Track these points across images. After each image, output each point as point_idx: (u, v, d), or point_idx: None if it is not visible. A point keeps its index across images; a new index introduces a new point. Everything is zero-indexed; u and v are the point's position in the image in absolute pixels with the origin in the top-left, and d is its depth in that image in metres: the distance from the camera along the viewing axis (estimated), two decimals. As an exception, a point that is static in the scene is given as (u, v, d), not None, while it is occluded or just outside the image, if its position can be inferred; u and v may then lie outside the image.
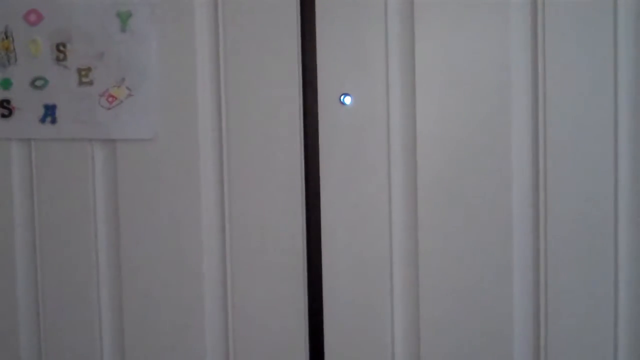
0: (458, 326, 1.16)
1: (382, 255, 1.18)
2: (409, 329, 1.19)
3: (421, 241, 1.17)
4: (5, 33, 1.23)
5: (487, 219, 1.14)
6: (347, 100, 1.16)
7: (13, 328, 1.30)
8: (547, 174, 1.13)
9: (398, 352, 1.19)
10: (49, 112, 1.24)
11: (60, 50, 1.22)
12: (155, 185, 1.22)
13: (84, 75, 1.22)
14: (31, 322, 1.30)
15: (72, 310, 1.27)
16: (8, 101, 1.25)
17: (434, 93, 1.14)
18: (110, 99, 1.22)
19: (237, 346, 1.23)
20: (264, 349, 1.22)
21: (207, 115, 1.21)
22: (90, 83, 1.22)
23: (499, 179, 1.14)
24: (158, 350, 1.25)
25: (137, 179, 1.23)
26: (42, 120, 1.24)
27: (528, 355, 1.16)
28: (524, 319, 1.16)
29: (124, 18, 1.18)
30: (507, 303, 1.16)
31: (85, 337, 1.28)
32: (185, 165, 1.21)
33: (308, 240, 1.19)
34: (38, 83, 1.24)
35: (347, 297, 1.19)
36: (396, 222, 1.18)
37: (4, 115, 1.25)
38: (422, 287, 1.18)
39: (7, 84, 1.25)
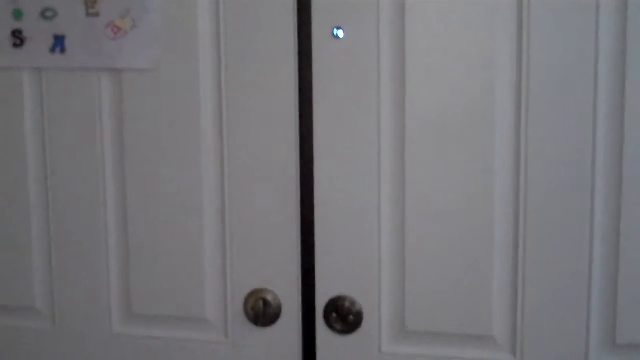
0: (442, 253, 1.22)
1: (371, 187, 1.23)
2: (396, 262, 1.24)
3: (408, 170, 1.21)
4: (16, -35, 1.27)
5: (471, 162, 1.19)
6: (340, 33, 1.19)
7: (26, 256, 1.37)
8: (529, 125, 1.17)
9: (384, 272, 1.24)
10: (59, 43, 1.29)
11: (68, -18, 1.26)
12: (158, 113, 1.28)
13: (90, 6, 1.27)
14: (43, 243, 1.37)
15: (81, 239, 1.35)
16: (20, 31, 1.30)
17: (425, 24, 1.17)
18: (115, 30, 1.26)
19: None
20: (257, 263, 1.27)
21: (206, 47, 1.25)
22: (97, 14, 1.26)
23: (485, 122, 1.18)
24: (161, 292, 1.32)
25: (142, 107, 1.28)
26: (52, 50, 1.29)
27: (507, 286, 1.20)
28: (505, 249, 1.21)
29: (129, -49, 1.22)
30: (487, 236, 1.20)
31: (93, 266, 1.35)
32: (186, 94, 1.26)
33: (302, 170, 1.25)
34: (48, 14, 1.28)
35: (338, 223, 1.25)
36: (385, 156, 1.22)
37: (15, 45, 1.30)
38: (408, 215, 1.22)
39: (18, 14, 1.29)
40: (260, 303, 1.29)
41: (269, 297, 1.29)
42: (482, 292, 1.21)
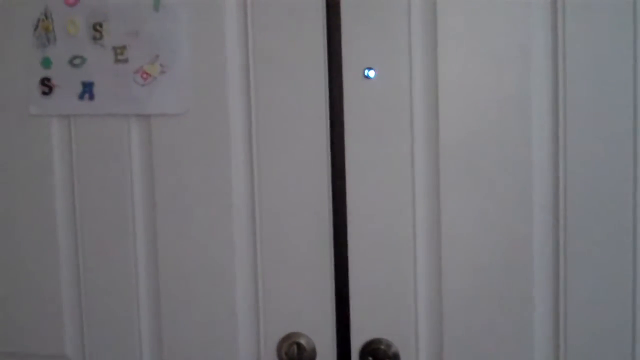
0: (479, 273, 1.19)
1: (405, 226, 1.22)
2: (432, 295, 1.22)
3: (443, 211, 1.20)
4: (45, 14, 1.29)
5: (508, 190, 1.17)
6: (371, 73, 1.18)
7: (56, 303, 1.36)
8: (567, 148, 1.15)
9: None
10: (87, 89, 1.29)
11: (96, 30, 1.27)
12: (188, 157, 1.27)
13: (119, 53, 1.27)
14: (73, 290, 1.37)
15: (111, 286, 1.34)
16: (48, 79, 1.31)
17: (457, 65, 1.17)
18: (144, 76, 1.27)
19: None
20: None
21: (236, 91, 1.25)
22: (126, 61, 1.27)
23: (520, 150, 1.17)
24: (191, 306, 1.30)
25: (171, 152, 1.28)
26: (81, 97, 1.30)
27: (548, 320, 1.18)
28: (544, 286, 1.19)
29: (156, -3, 1.23)
30: (527, 271, 1.18)
31: (123, 298, 1.33)
32: (216, 139, 1.26)
33: (334, 212, 1.24)
34: (76, 61, 1.29)
35: (372, 263, 1.23)
36: (419, 191, 1.21)
37: (44, 93, 1.31)
38: (444, 257, 1.21)
39: (47, 63, 1.30)
40: (295, 348, 1.27)
41: (303, 341, 1.27)
42: (522, 336, 1.19)
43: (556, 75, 1.15)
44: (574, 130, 1.15)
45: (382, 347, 1.25)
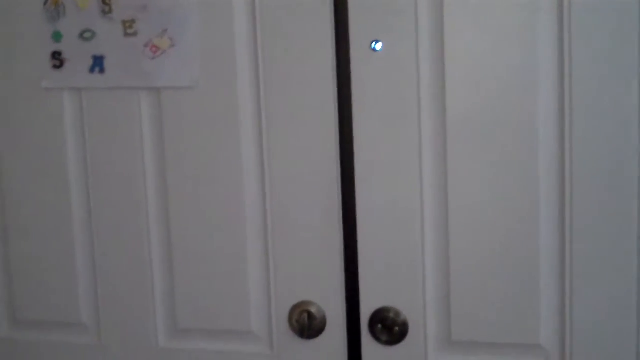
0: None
1: (413, 196, 1.24)
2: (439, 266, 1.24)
3: (450, 180, 1.21)
4: (55, -13, 1.29)
5: (514, 160, 1.18)
6: (378, 46, 1.19)
7: (71, 272, 1.39)
8: (573, 125, 1.16)
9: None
10: (98, 63, 1.30)
11: (105, 3, 1.28)
12: (198, 130, 1.29)
13: (128, 27, 1.28)
14: (88, 259, 1.39)
15: (125, 254, 1.36)
16: (59, 53, 1.32)
17: (464, 37, 1.17)
18: (153, 49, 1.28)
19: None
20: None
21: (244, 63, 1.26)
22: (135, 34, 1.28)
23: (527, 121, 1.17)
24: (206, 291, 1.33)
25: (181, 125, 1.29)
26: (92, 70, 1.31)
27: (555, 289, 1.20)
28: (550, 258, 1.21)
29: (165, -30, 1.23)
30: (534, 239, 1.20)
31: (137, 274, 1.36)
32: (225, 111, 1.27)
33: (343, 181, 1.25)
34: (86, 35, 1.30)
35: (381, 233, 1.25)
36: (426, 161, 1.22)
37: (55, 66, 1.32)
38: (452, 225, 1.23)
39: (58, 36, 1.31)
40: (305, 316, 1.29)
41: (313, 310, 1.30)
42: (528, 300, 1.21)
43: (562, 47, 1.15)
44: (580, 102, 1.16)
45: (391, 315, 1.27)
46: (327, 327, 1.29)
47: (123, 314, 1.37)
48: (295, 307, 1.31)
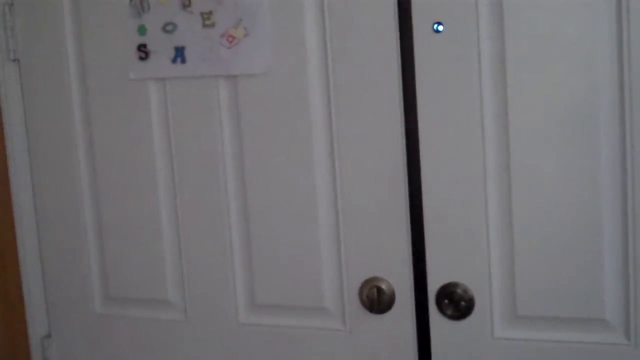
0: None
1: (476, 172, 1.26)
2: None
3: (513, 156, 1.23)
4: (139, -16, 1.38)
5: (577, 151, 1.19)
6: (440, 28, 1.22)
7: (159, 253, 1.45)
8: (632, 90, 1.15)
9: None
10: (179, 53, 1.38)
11: (185, -3, 1.35)
12: (272, 114, 1.34)
13: (206, 18, 1.35)
14: (174, 240, 1.46)
15: (207, 235, 1.42)
16: (144, 45, 1.40)
17: (524, 16, 1.18)
18: (229, 39, 1.34)
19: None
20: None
21: (313, 50, 1.31)
22: (212, 25, 1.35)
23: (588, 97, 1.18)
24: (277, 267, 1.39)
25: (256, 110, 1.35)
26: (174, 60, 1.39)
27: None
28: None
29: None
30: (596, 214, 1.20)
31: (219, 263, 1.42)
32: (296, 96, 1.32)
33: (409, 160, 1.29)
34: (168, 28, 1.38)
35: (446, 209, 1.28)
36: (489, 138, 1.24)
37: (141, 58, 1.41)
38: (515, 202, 1.24)
39: (143, 30, 1.40)
40: (375, 291, 1.33)
41: (383, 285, 1.33)
42: (593, 275, 1.21)
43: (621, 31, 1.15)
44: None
45: (458, 290, 1.29)
46: (396, 302, 1.33)
47: (206, 291, 1.43)
48: (365, 283, 1.34)
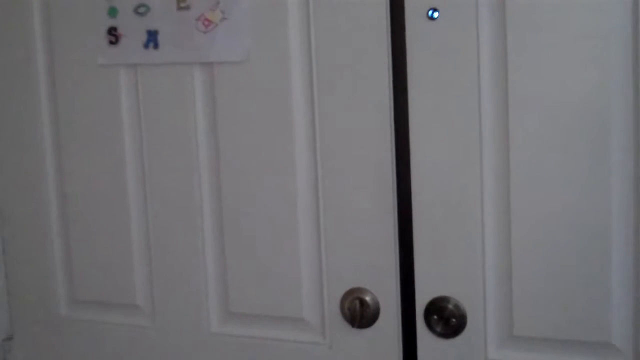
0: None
1: (472, 178, 1.16)
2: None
3: (512, 160, 1.13)
4: (109, -38, 1.29)
5: (584, 157, 1.09)
6: (436, 14, 1.12)
7: (127, 255, 1.38)
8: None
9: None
10: (152, 38, 1.29)
11: (159, -24, 1.26)
12: (251, 104, 1.25)
13: (181, 0, 1.27)
14: (143, 241, 1.38)
15: (179, 237, 1.34)
16: (115, 29, 1.32)
17: (529, 3, 1.09)
18: (206, 23, 1.26)
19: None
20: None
21: (296, 35, 1.22)
22: (187, 8, 1.26)
23: (596, 92, 1.08)
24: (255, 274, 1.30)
25: (234, 100, 1.26)
26: (146, 45, 1.30)
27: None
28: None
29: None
30: (604, 229, 1.10)
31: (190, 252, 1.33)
32: (277, 85, 1.23)
33: (397, 161, 1.19)
34: (141, 10, 1.29)
35: (438, 217, 1.18)
36: (487, 140, 1.14)
37: (111, 42, 1.32)
38: (513, 210, 1.14)
39: (113, 12, 1.31)
40: (357, 303, 1.23)
41: (367, 297, 1.23)
42: (599, 293, 1.10)
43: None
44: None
45: (449, 305, 1.19)
46: (380, 316, 1.23)
47: (177, 297, 1.36)
48: (347, 294, 1.25)
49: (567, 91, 1.08)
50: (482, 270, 1.16)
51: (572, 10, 1.07)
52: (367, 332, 1.24)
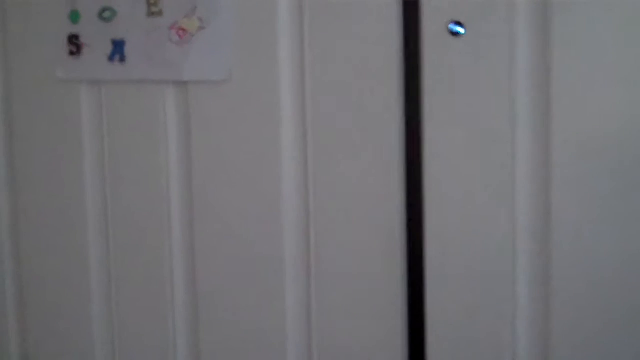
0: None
1: (503, 232, 1.02)
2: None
3: (554, 219, 0.99)
4: (73, -39, 1.20)
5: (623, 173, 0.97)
6: (460, 29, 1.00)
7: (86, 306, 1.27)
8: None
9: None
10: (118, 49, 1.19)
11: (128, -24, 1.17)
12: (232, 131, 1.16)
13: (153, 4, 1.16)
14: (103, 288, 1.26)
15: (145, 287, 1.23)
16: (77, 37, 1.21)
17: (573, 16, 0.96)
18: (180, 33, 1.15)
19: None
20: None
21: (287, 51, 1.11)
22: (160, 13, 1.16)
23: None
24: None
25: (212, 125, 1.17)
26: (111, 58, 1.19)
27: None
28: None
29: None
30: None
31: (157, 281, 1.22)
32: (263, 110, 1.13)
33: (409, 218, 1.07)
34: (106, 15, 1.19)
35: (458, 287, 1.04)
36: (521, 189, 1.01)
37: (72, 53, 1.21)
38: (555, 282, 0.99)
39: (75, 16, 1.21)
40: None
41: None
42: None
43: None
44: None
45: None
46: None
47: (142, 356, 1.25)
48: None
49: (617, 126, 0.98)
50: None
51: (628, 32, 0.95)
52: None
